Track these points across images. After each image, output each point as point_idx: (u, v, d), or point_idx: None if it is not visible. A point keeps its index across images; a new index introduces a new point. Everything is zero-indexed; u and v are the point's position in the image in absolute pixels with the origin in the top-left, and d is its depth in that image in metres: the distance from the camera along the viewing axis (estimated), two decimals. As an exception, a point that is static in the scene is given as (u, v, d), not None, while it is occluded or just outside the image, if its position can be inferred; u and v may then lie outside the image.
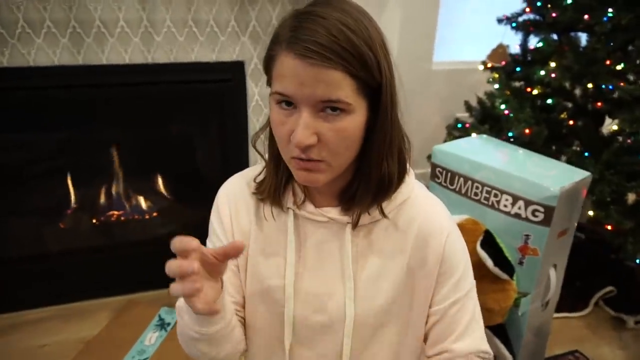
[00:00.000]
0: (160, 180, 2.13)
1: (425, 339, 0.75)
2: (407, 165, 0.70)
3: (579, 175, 1.39)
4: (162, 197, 2.14)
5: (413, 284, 0.71)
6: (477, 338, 0.72)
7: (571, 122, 1.95)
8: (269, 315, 0.74)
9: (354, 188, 0.67)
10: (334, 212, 0.70)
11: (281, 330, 0.73)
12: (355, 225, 0.69)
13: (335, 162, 0.61)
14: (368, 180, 0.66)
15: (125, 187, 2.05)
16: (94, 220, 2.06)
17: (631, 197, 1.77)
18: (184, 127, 2.02)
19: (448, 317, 0.71)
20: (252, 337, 0.78)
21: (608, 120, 1.94)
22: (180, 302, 0.66)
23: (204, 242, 0.74)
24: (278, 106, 0.60)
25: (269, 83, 0.62)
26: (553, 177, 1.37)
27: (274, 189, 0.71)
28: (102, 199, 2.06)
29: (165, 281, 2.05)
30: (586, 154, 1.83)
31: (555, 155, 1.94)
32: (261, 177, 0.74)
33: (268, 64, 0.61)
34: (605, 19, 1.62)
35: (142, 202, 2.12)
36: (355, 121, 0.59)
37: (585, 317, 1.96)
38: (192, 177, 2.12)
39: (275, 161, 0.70)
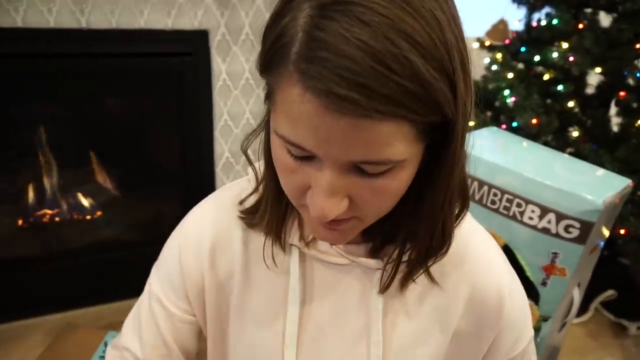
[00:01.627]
0: (104, 172, 1.78)
1: None
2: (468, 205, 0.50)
3: (620, 183, 1.19)
4: (107, 192, 1.80)
5: (459, 349, 0.56)
6: None
7: (576, 111, 1.76)
8: None
9: (390, 224, 0.49)
10: (358, 253, 0.52)
11: None
12: (387, 286, 0.51)
13: (369, 219, 0.45)
14: (414, 233, 0.47)
15: (60, 180, 1.71)
16: (20, 222, 1.69)
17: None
18: (134, 110, 1.67)
19: None
20: None
21: (613, 110, 1.77)
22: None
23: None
24: (286, 150, 0.40)
25: (269, 98, 0.41)
26: (590, 185, 1.16)
27: (275, 221, 0.52)
28: (31, 196, 1.69)
29: (111, 295, 1.69)
30: (594, 147, 1.65)
31: (561, 148, 1.76)
32: (251, 200, 0.54)
33: (269, 85, 0.40)
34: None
35: (82, 199, 1.78)
36: (405, 175, 0.41)
37: (586, 324, 1.84)
38: (144, 169, 1.80)
39: (277, 185, 0.48)
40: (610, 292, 1.87)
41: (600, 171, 1.26)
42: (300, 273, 0.53)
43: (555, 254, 1.18)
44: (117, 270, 1.71)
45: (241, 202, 0.55)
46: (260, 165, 0.53)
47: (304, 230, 0.54)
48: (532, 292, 1.19)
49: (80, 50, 1.33)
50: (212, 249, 0.56)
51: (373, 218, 0.45)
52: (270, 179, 0.50)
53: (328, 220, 0.41)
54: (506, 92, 1.75)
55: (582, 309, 1.87)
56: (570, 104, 1.71)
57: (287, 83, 0.35)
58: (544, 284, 1.22)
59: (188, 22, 1.40)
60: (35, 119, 1.59)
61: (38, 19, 1.26)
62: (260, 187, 0.53)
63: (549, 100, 1.74)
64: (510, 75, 1.80)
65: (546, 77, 1.68)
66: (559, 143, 1.76)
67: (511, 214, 1.21)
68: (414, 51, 0.33)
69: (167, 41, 1.42)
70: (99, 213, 1.79)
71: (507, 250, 1.21)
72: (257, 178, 0.53)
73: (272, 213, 0.51)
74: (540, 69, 1.76)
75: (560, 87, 1.68)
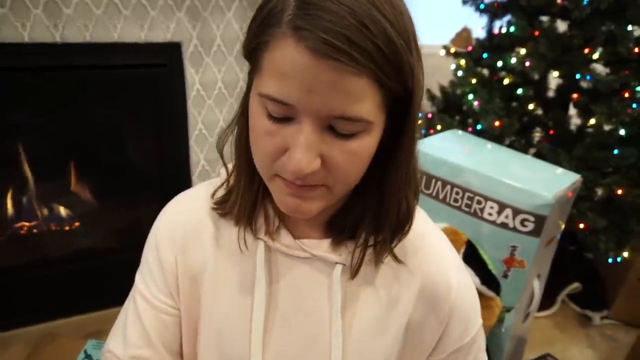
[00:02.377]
0: (81, 183, 1.79)
1: None
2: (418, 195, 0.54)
3: (569, 178, 1.27)
4: (85, 203, 1.80)
5: (413, 339, 0.58)
6: None
7: (539, 113, 1.85)
8: None
9: (352, 217, 0.53)
10: (319, 247, 0.55)
11: None
12: (355, 273, 0.53)
13: (337, 189, 0.47)
14: (379, 212, 0.51)
15: (37, 191, 1.70)
16: (-2, 235, 1.69)
17: (603, 194, 1.69)
18: (110, 121, 1.69)
19: None
20: None
21: (573, 111, 1.86)
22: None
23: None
24: (265, 114, 0.44)
25: (252, 73, 0.46)
26: (543, 182, 1.23)
27: (247, 206, 0.54)
28: (9, 208, 1.70)
29: (91, 304, 1.69)
30: (552, 147, 1.74)
31: (525, 149, 1.84)
32: (221, 192, 0.57)
33: (255, 51, 0.44)
34: (585, 2, 1.49)
35: (60, 210, 1.78)
36: (372, 141, 0.45)
37: (553, 316, 1.92)
38: (122, 177, 1.80)
39: (249, 172, 0.53)
40: (575, 285, 1.95)
41: (554, 169, 1.34)
42: (265, 265, 0.55)
43: (514, 247, 1.24)
44: (97, 279, 1.72)
45: (213, 195, 0.57)
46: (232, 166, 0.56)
47: (269, 223, 0.56)
48: (494, 284, 1.25)
49: (56, 63, 1.35)
50: (185, 238, 0.58)
51: (340, 188, 0.48)
52: (242, 169, 0.53)
53: (300, 182, 0.45)
54: (470, 96, 1.83)
55: (549, 302, 1.94)
56: (531, 106, 1.80)
57: (280, 42, 0.40)
58: (505, 276, 1.29)
59: (161, 34, 1.44)
60: (12, 131, 1.59)
61: (11, 34, 1.28)
62: (232, 181, 0.56)
63: (514, 104, 1.83)
64: (474, 80, 1.89)
65: (506, 81, 1.76)
66: (522, 145, 1.84)
67: (472, 210, 1.28)
68: (388, 24, 0.39)
69: (141, 53, 1.45)
70: (76, 223, 1.78)
71: (470, 246, 1.27)
72: (227, 173, 0.56)
73: (243, 200, 0.54)
74: (502, 74, 1.84)
75: (520, 91, 1.76)
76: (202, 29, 1.47)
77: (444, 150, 1.38)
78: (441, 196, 1.34)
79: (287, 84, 0.40)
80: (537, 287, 1.38)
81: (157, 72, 1.51)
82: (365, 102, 0.41)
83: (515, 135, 1.82)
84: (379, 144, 0.47)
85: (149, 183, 1.76)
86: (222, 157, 0.55)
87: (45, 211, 1.75)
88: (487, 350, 1.45)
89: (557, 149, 1.66)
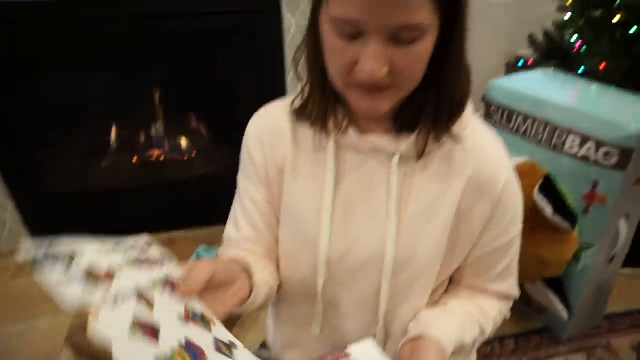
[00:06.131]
0: (198, 120, 2.08)
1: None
2: (470, 85, 0.60)
3: (667, 112, 1.18)
4: (201, 137, 2.09)
5: (460, 227, 0.65)
6: (511, 284, 0.73)
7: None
8: (301, 252, 0.69)
9: (413, 110, 0.60)
10: (381, 140, 0.62)
11: (313, 268, 0.67)
12: (420, 155, 0.61)
13: (404, 88, 0.55)
14: (438, 101, 0.58)
15: (165, 126, 2.03)
16: (135, 160, 2.06)
17: None
18: (218, 66, 1.93)
19: (487, 259, 0.69)
20: (284, 275, 0.73)
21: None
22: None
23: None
24: (337, 35, 0.51)
25: (318, 2, 0.53)
26: (633, 114, 1.17)
27: (321, 110, 0.63)
28: (142, 138, 2.05)
29: (203, 220, 2.01)
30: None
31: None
32: (298, 101, 0.66)
33: None
34: None
35: (182, 142, 2.09)
36: (429, 43, 0.52)
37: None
38: (229, 118, 2.04)
39: (321, 84, 0.61)
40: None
41: (650, 102, 1.25)
42: (335, 158, 0.64)
43: (596, 182, 1.21)
44: (208, 201, 1.97)
45: (292, 103, 0.67)
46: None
47: (338, 121, 0.63)
48: (569, 217, 1.23)
49: (171, 11, 1.59)
50: (270, 138, 0.68)
51: (406, 88, 0.55)
52: (315, 82, 0.61)
53: (373, 86, 0.52)
54: (574, 37, 1.72)
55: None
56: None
57: None
58: (586, 211, 1.26)
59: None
60: (147, 78, 1.90)
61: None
62: (306, 91, 0.64)
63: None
64: (581, 22, 1.76)
65: (615, 19, 1.62)
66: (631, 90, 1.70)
67: (553, 144, 1.26)
68: None
69: (241, 1, 1.63)
70: (194, 154, 2.09)
71: (549, 180, 1.26)
72: (303, 85, 0.64)
73: (317, 106, 0.62)
74: (612, 14, 1.70)
75: (632, 30, 1.62)
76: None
77: (529, 86, 1.36)
78: (522, 130, 1.34)
79: (354, 3, 0.47)
80: (624, 228, 1.32)
81: (255, 18, 1.67)
82: (422, 9, 0.48)
83: (624, 80, 1.69)
84: (435, 43, 0.53)
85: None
86: (296, 72, 0.63)
87: (172, 142, 2.07)
88: (563, 287, 1.46)
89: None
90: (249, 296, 0.61)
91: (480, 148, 0.63)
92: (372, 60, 0.49)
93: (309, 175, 0.67)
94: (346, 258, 0.66)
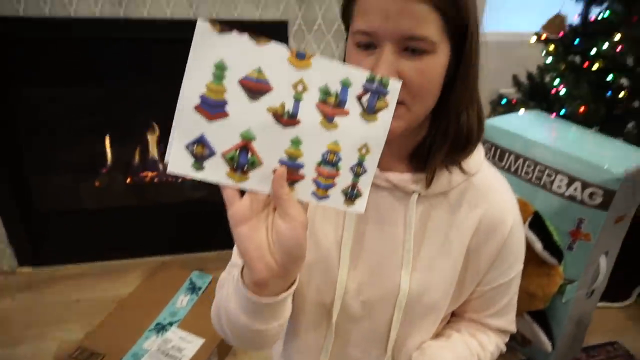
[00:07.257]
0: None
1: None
2: (484, 123, 0.64)
3: (646, 157, 1.29)
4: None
5: (469, 264, 0.69)
6: (510, 319, 0.77)
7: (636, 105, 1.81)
8: (318, 283, 0.70)
9: (428, 145, 0.62)
10: (400, 178, 0.65)
11: (330, 301, 0.69)
12: (429, 183, 0.63)
13: (415, 107, 0.56)
14: (445, 132, 0.60)
15: (159, 148, 2.03)
16: (128, 180, 2.06)
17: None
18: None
19: (489, 295, 0.73)
20: (296, 305, 0.73)
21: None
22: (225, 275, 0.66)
23: None
24: (355, 47, 0.56)
25: (348, 28, 0.59)
26: (615, 158, 1.27)
27: None
28: (137, 159, 2.05)
29: (197, 245, 2.00)
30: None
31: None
32: None
33: (347, 6, 0.57)
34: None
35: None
36: (438, 63, 0.55)
37: (626, 309, 1.88)
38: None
39: None
40: (655, 280, 1.90)
41: (627, 147, 1.36)
42: None
43: (580, 220, 1.30)
44: (202, 225, 1.98)
45: None
46: None
47: None
48: (556, 253, 1.32)
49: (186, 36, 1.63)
50: None
51: (417, 107, 0.56)
52: None
53: None
54: (556, 81, 1.85)
55: (624, 294, 1.91)
56: (622, 94, 1.78)
57: None
58: (570, 248, 1.35)
59: (272, 13, 1.66)
60: (145, 96, 1.90)
61: (158, 11, 1.59)
62: None
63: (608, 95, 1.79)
64: (563, 66, 1.90)
65: (595, 67, 1.76)
66: (609, 134, 1.82)
67: (542, 183, 1.35)
68: None
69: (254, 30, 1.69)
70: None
71: (538, 217, 1.35)
72: None
73: None
74: (593, 61, 1.83)
75: (609, 77, 1.75)
76: (307, 10, 1.68)
77: (520, 126, 1.46)
78: (513, 169, 1.42)
79: (370, 17, 0.53)
80: (604, 264, 1.41)
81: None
82: (429, 25, 0.52)
83: (601, 123, 1.81)
84: (445, 76, 0.56)
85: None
86: None
87: (165, 165, 2.07)
88: (547, 320, 1.54)
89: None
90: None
91: (493, 189, 0.67)
92: (383, 66, 0.53)
93: (328, 210, 0.68)
94: (362, 292, 0.68)
